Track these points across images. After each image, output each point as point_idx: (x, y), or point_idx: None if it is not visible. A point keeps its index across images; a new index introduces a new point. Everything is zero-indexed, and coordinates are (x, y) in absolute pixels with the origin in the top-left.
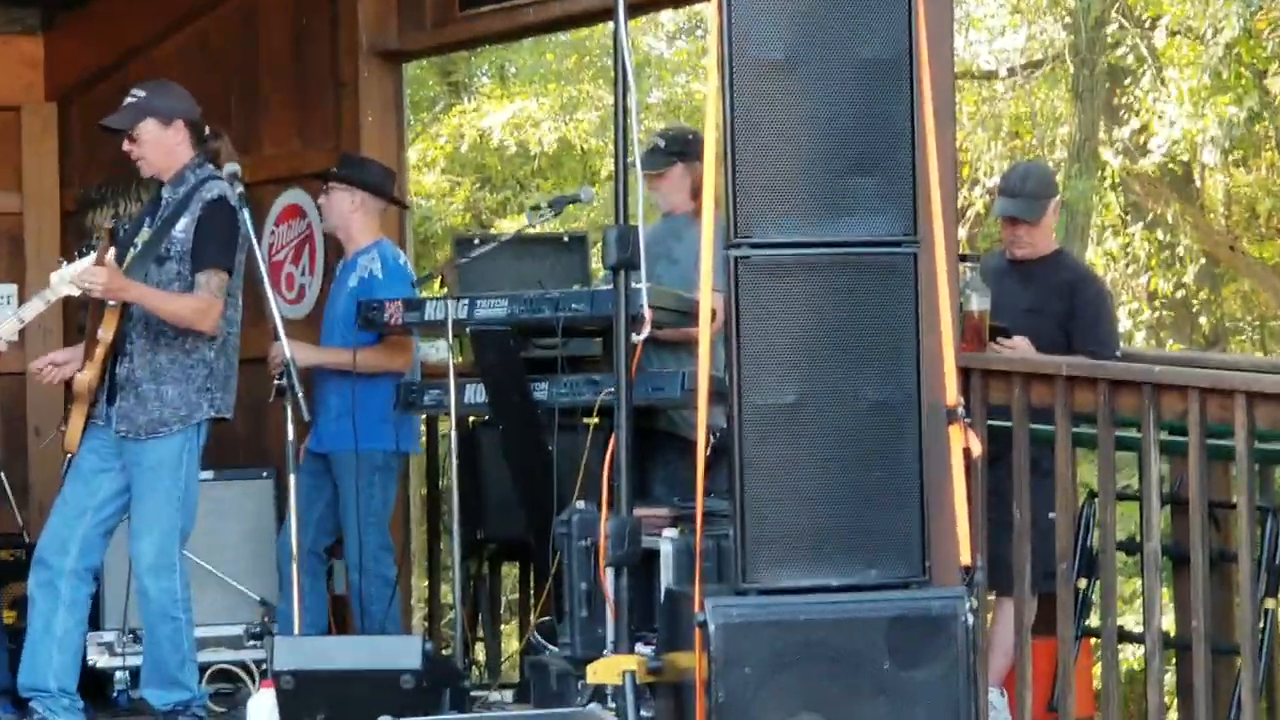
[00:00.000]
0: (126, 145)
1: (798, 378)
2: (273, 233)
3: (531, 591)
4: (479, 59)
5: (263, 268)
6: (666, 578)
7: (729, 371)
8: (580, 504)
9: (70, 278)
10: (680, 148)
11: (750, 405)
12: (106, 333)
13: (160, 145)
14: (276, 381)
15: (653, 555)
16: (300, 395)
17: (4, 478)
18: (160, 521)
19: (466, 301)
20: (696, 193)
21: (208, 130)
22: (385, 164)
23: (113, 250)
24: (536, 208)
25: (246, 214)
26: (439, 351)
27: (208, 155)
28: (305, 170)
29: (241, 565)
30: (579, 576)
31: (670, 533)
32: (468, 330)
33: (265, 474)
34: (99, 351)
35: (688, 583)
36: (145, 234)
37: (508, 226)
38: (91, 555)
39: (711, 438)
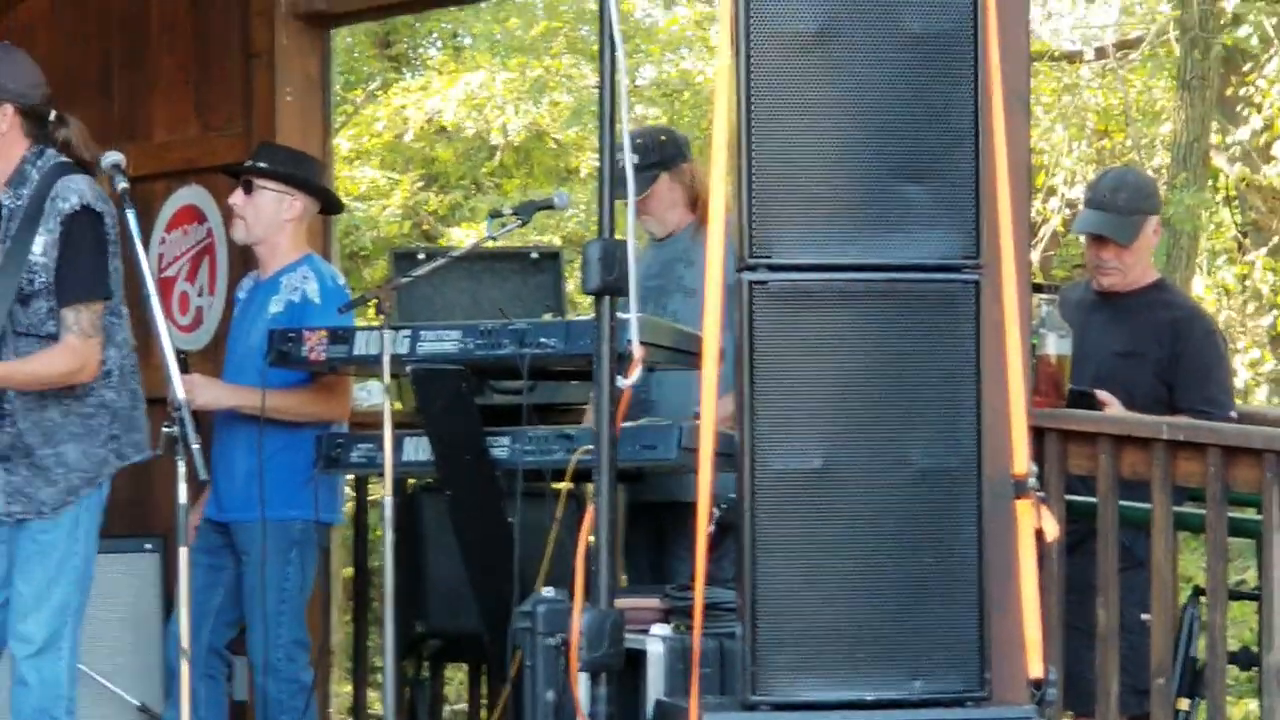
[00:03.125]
0: None
1: (826, 437)
2: (163, 241)
3: (483, 701)
4: (426, 24)
5: (150, 285)
6: (656, 687)
7: (739, 428)
8: (548, 591)
9: None
10: (657, 156)
11: (765, 470)
12: None
13: None
14: (166, 429)
15: (639, 658)
16: (196, 447)
17: None
18: (53, 595)
19: (408, 332)
20: (695, 200)
21: (52, 115)
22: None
23: None
24: (497, 214)
25: (131, 216)
26: (371, 395)
27: (52, 144)
28: (205, 162)
29: (118, 662)
30: (544, 683)
31: (661, 629)
32: (408, 369)
33: (149, 546)
34: None
35: (683, 694)
36: None
37: (459, 238)
38: None
39: (716, 511)
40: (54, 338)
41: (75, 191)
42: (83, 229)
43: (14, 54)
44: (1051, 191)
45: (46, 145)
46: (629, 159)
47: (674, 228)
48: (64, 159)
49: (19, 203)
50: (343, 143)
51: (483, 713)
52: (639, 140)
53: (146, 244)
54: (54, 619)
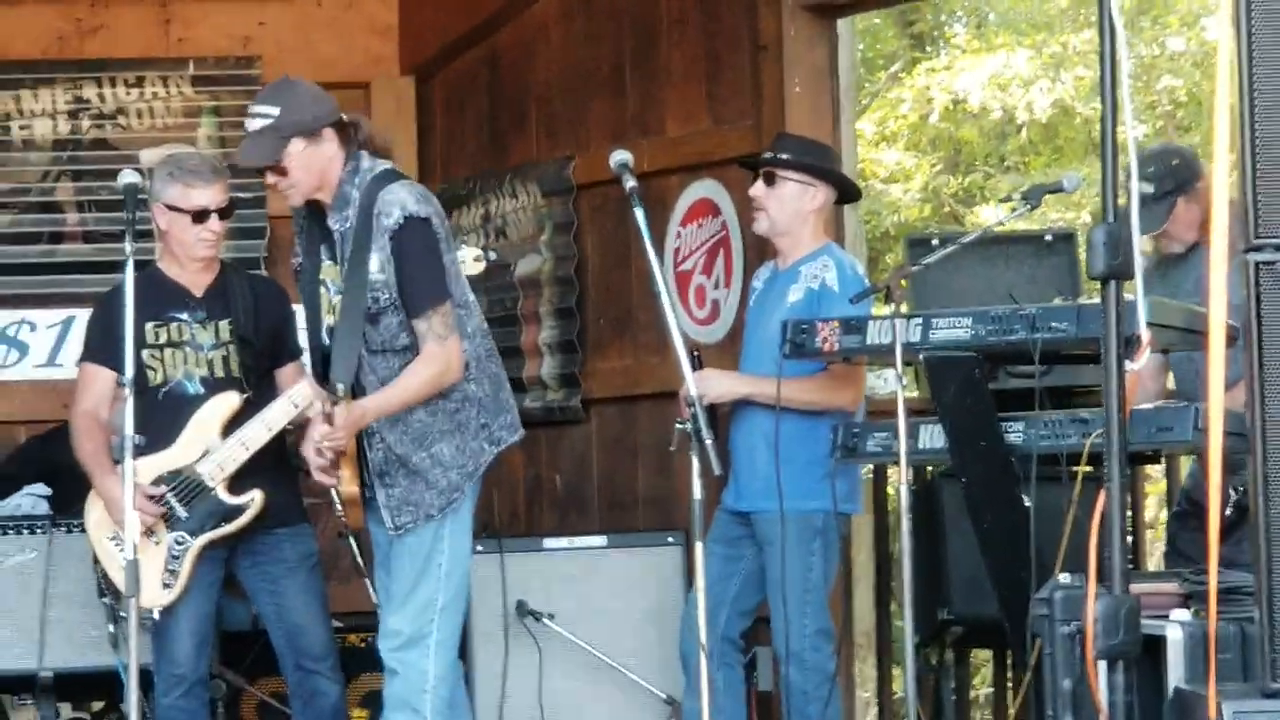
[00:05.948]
0: (270, 179)
1: None
2: (678, 235)
3: (1009, 687)
4: (948, 4)
5: (661, 283)
6: (1176, 673)
7: (1249, 410)
8: (1065, 577)
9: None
10: (1172, 184)
11: (1278, 452)
12: None
13: (312, 166)
14: (680, 425)
15: (1158, 644)
16: (710, 442)
17: (354, 543)
18: (419, 592)
19: (920, 320)
20: (1206, 220)
21: (346, 118)
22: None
23: (343, 404)
24: (1008, 199)
25: (640, 214)
26: (887, 384)
27: (357, 148)
28: (717, 155)
29: (646, 655)
30: (1062, 671)
31: (1180, 615)
32: (922, 356)
33: (671, 539)
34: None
35: (1204, 681)
36: (330, 270)
37: (985, 219)
38: None
39: (1232, 494)
40: (409, 350)
41: (397, 204)
42: (411, 239)
43: (299, 84)
44: None
45: (353, 151)
46: (1135, 190)
47: (1195, 241)
48: (375, 172)
49: (347, 225)
50: (867, 126)
51: (1009, 698)
52: (1151, 169)
53: (662, 238)
54: (419, 615)
